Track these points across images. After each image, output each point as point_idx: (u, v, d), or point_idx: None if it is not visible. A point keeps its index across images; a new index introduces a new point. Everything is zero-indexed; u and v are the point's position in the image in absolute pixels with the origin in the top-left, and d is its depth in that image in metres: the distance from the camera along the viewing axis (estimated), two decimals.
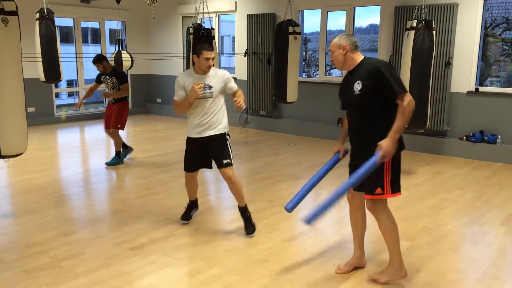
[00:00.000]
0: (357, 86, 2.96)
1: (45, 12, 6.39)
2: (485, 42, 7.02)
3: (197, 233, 3.92)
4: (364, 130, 3.01)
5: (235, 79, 9.35)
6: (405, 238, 3.82)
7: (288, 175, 5.70)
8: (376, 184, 2.95)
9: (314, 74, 10.31)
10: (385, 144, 2.82)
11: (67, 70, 8.85)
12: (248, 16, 8.75)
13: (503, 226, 4.11)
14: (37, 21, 6.43)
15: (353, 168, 3.08)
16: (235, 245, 3.70)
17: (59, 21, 8.04)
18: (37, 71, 6.65)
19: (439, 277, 3.19)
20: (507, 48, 7.73)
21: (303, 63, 9.93)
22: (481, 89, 6.65)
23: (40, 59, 6.47)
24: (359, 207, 3.25)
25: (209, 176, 6.08)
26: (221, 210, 4.69)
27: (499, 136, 6.41)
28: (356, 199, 3.22)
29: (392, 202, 4.71)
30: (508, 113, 6.39)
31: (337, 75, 9.77)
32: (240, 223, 4.18)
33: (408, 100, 2.83)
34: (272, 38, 8.22)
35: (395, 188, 3.01)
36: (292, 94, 7.22)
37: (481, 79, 7.00)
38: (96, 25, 10.55)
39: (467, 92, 6.69)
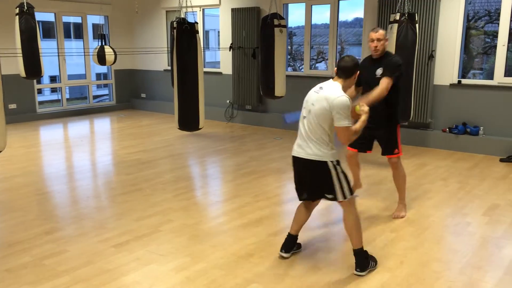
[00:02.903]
0: (379, 71, 3.90)
1: (25, 7, 6.29)
2: (467, 35, 7.09)
3: (182, 229, 3.90)
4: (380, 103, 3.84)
5: (220, 73, 9.36)
6: (389, 230, 3.86)
7: (274, 169, 5.70)
8: (394, 147, 4.13)
9: (300, 68, 10.32)
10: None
11: (49, 66, 8.72)
12: (233, 10, 8.70)
13: (485, 217, 4.17)
14: (17, 16, 6.32)
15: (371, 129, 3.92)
16: (220, 240, 3.69)
17: (40, 16, 7.91)
18: (18, 67, 6.54)
19: (422, 267, 3.22)
20: (489, 40, 7.81)
21: (288, 57, 9.92)
22: (464, 81, 6.71)
23: (21, 55, 6.36)
24: (357, 165, 4.54)
25: (195, 171, 6.06)
26: (206, 206, 4.68)
27: (481, 128, 6.49)
28: (355, 158, 4.46)
29: (377, 194, 4.76)
30: (490, 105, 6.47)
31: (322, 69, 9.78)
32: (225, 218, 4.18)
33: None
34: (257, 32, 8.20)
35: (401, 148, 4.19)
36: (280, 88, 7.20)
37: (464, 72, 7.07)
38: (78, 19, 10.40)
39: (450, 84, 6.76)
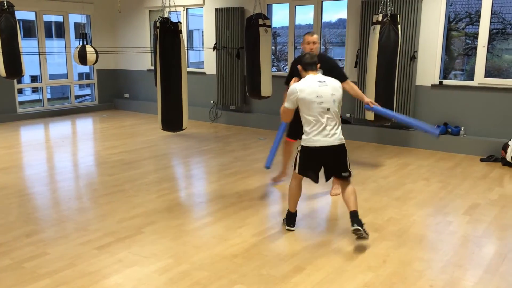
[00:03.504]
0: None
1: (5, 5, 6.19)
2: (448, 36, 7.19)
3: (165, 230, 3.88)
4: None
5: (204, 74, 9.33)
6: (372, 229, 3.88)
7: (258, 169, 5.70)
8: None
9: (284, 68, 10.34)
10: None
11: (30, 65, 8.59)
12: (217, 10, 8.68)
13: (466, 216, 4.23)
14: None
15: None
16: (204, 241, 3.67)
17: (21, 15, 7.79)
18: None
19: (404, 266, 3.25)
20: (470, 42, 7.94)
21: (273, 57, 9.94)
22: (445, 82, 6.81)
23: (1, 54, 6.25)
24: (290, 153, 4.78)
25: (179, 172, 6.03)
26: (190, 206, 4.65)
27: (462, 128, 6.59)
28: (291, 147, 4.81)
29: (361, 193, 4.79)
30: (471, 105, 6.57)
31: None
32: (209, 219, 4.17)
33: None
34: (241, 32, 8.19)
35: None
36: (266, 88, 7.20)
37: (445, 73, 7.17)
38: (59, 18, 10.26)
39: (432, 85, 6.84)
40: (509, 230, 3.96)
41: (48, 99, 10.34)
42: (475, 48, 6.68)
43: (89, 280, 3.04)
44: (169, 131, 7.15)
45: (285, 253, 3.47)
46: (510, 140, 5.98)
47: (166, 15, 6.77)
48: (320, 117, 3.56)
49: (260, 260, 3.33)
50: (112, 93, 10.93)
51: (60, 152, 6.86)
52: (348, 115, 7.63)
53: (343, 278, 3.09)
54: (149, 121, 9.12)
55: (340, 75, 4.24)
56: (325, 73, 4.01)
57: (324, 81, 3.62)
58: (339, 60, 12.27)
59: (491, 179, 5.39)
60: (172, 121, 6.66)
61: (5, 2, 6.14)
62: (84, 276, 3.09)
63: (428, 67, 6.83)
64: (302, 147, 3.68)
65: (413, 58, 6.76)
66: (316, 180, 3.75)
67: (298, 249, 3.54)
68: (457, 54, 8.09)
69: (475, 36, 7.16)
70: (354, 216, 3.55)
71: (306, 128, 3.63)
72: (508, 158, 5.86)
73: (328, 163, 3.72)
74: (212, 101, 9.01)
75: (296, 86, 3.65)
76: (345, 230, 3.90)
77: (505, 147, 5.96)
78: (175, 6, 7.05)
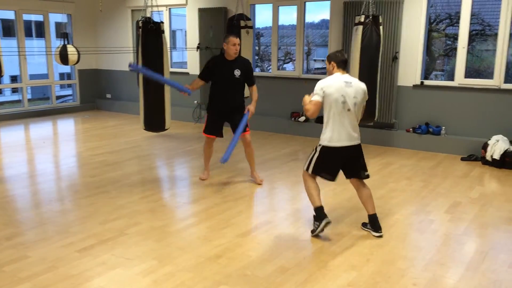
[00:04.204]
0: (237, 73, 4.78)
1: None
2: (429, 37, 7.29)
3: (149, 232, 3.84)
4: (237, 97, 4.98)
5: (187, 74, 9.28)
6: (356, 229, 3.91)
7: (242, 169, 5.69)
8: (247, 126, 5.00)
9: (267, 68, 10.35)
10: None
11: (9, 65, 8.43)
12: (200, 10, 8.65)
13: (448, 214, 4.29)
14: None
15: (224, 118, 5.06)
16: (187, 243, 3.65)
17: (0, 14, 7.65)
18: None
19: (387, 265, 3.28)
20: (450, 43, 8.06)
21: (256, 57, 9.94)
22: (426, 82, 6.90)
23: None
24: (212, 151, 5.32)
25: (163, 173, 5.98)
26: (173, 207, 4.62)
27: (443, 127, 6.68)
28: (212, 144, 5.27)
29: (343, 192, 4.83)
30: (451, 105, 6.67)
31: (290, 70, 9.85)
32: (193, 220, 4.15)
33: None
34: (224, 33, 8.17)
35: None
36: (246, 89, 7.18)
37: (426, 73, 7.28)
38: (40, 18, 10.09)
39: (413, 85, 6.92)
40: (490, 228, 4.03)
41: (29, 100, 10.17)
42: (455, 49, 6.79)
43: (71, 283, 3.00)
44: (152, 132, 7.10)
45: (269, 253, 3.47)
46: (490, 139, 6.09)
47: (148, 15, 6.72)
48: (341, 117, 3.60)
49: (244, 261, 3.33)
50: (94, 94, 10.80)
51: (41, 153, 6.74)
52: None
53: (327, 278, 3.10)
54: (132, 121, 9.04)
55: (251, 79, 4.93)
56: (242, 73, 4.75)
57: (350, 82, 3.64)
58: (322, 60, 12.33)
59: (472, 178, 5.48)
60: (154, 121, 6.61)
61: None
62: (66, 279, 3.05)
63: (409, 68, 6.91)
64: (323, 147, 3.67)
65: (395, 58, 6.83)
66: (332, 179, 3.79)
67: (282, 249, 3.55)
68: (437, 55, 8.22)
69: (455, 37, 7.28)
70: (376, 220, 3.79)
71: (326, 126, 3.66)
72: (488, 157, 5.96)
73: (346, 163, 3.75)
74: (195, 102, 8.96)
75: (325, 81, 3.65)
76: (329, 229, 3.92)
77: (485, 146, 6.07)
78: (157, 6, 7.00)
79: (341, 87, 3.58)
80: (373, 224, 3.80)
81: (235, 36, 4.77)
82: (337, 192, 4.90)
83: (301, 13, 7.85)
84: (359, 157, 3.77)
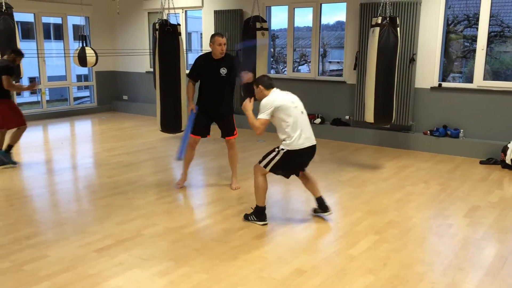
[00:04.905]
0: (223, 71, 4.75)
1: (4, 7, 6.18)
2: (447, 38, 7.20)
3: (165, 233, 3.86)
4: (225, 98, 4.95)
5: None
6: (373, 232, 3.88)
7: None
8: (234, 129, 5.12)
9: (283, 70, 10.34)
10: None
11: (28, 67, 8.56)
12: (215, 12, 8.69)
13: (466, 218, 4.23)
14: None
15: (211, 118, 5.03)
16: (203, 244, 3.66)
17: (19, 17, 7.77)
18: None
19: (405, 269, 3.25)
20: (468, 44, 7.96)
21: (271, 59, 9.94)
22: (444, 84, 6.82)
23: None
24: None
25: (179, 174, 6.01)
26: (189, 209, 4.64)
27: (462, 130, 6.60)
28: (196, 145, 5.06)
29: (360, 196, 4.79)
30: (469, 108, 6.58)
31: (305, 72, 9.83)
32: (209, 221, 4.16)
33: None
34: (240, 35, 8.19)
35: None
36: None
37: (444, 75, 7.18)
38: (58, 20, 10.24)
39: (431, 87, 6.85)
40: (509, 232, 3.96)
41: (47, 101, 10.32)
42: (474, 50, 6.70)
43: (89, 283, 3.03)
44: (168, 133, 7.14)
45: (286, 256, 3.46)
46: (510, 142, 5.99)
47: (165, 17, 6.77)
48: (300, 120, 3.87)
49: (260, 263, 3.32)
50: (111, 95, 10.92)
51: (59, 154, 6.83)
52: (347, 117, 7.64)
53: (344, 281, 3.08)
54: (148, 123, 9.11)
55: (235, 73, 4.84)
56: (228, 71, 4.75)
57: (288, 93, 4.04)
58: (337, 62, 12.27)
59: (491, 181, 5.39)
60: (171, 123, 6.64)
61: (3, 4, 6.13)
62: (84, 278, 3.08)
63: (427, 70, 6.84)
64: (288, 151, 3.86)
65: (412, 60, 6.77)
66: (287, 177, 4.11)
67: (299, 251, 3.53)
68: (455, 57, 8.11)
69: (473, 39, 7.18)
70: (323, 201, 4.14)
71: (287, 133, 3.85)
72: (508, 161, 5.87)
73: (304, 162, 4.07)
74: None
75: (269, 97, 3.91)
76: (346, 232, 3.90)
77: (505, 149, 5.97)
78: (174, 8, 7.04)
79: (285, 97, 3.94)
80: (321, 205, 4.15)
81: (221, 35, 4.74)
82: (354, 195, 4.87)
83: (317, 14, 7.83)
84: (313, 155, 4.07)
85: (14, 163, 5.95)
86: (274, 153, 3.94)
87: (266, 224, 4.02)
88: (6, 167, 5.82)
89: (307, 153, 3.96)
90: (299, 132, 3.85)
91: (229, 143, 5.05)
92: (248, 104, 3.98)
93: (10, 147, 5.92)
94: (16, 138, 5.89)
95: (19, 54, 5.83)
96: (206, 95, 4.86)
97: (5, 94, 5.70)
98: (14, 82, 5.75)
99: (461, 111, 6.65)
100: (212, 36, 4.78)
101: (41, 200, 4.82)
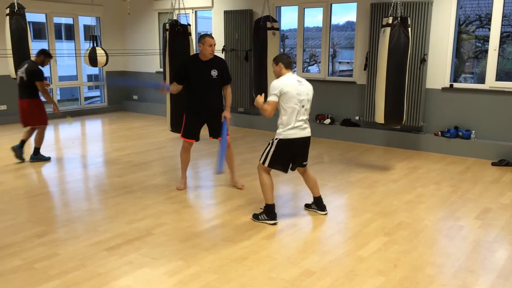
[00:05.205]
0: (214, 73, 4.66)
1: (16, 8, 6.23)
2: (459, 39, 7.14)
3: (174, 232, 3.87)
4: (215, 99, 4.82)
5: None
6: (383, 233, 3.85)
7: None
8: (227, 129, 4.84)
9: (292, 70, 10.34)
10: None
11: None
12: (225, 12, 8.69)
13: (478, 220, 4.18)
14: (8, 17, 6.26)
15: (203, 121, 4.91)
16: (213, 244, 3.66)
17: (31, 17, 7.84)
18: (8, 68, 6.47)
19: (416, 271, 3.22)
20: (480, 45, 7.88)
21: None
22: (456, 85, 6.76)
23: (11, 56, 6.29)
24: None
25: (188, 174, 6.02)
26: (198, 208, 4.65)
27: (473, 131, 6.53)
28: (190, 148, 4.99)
29: (370, 197, 4.77)
30: (481, 109, 6.51)
31: (314, 72, 9.80)
32: (218, 221, 4.16)
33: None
34: (250, 35, 8.19)
35: None
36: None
37: (455, 76, 7.12)
38: (69, 20, 10.32)
39: (442, 88, 6.80)
40: None
41: (58, 101, 10.40)
42: (485, 51, 6.63)
43: (99, 281, 3.04)
44: (177, 133, 7.16)
45: (295, 256, 3.45)
46: None
47: (175, 18, 6.80)
48: (297, 112, 3.92)
49: (269, 263, 3.32)
50: (121, 95, 10.98)
51: (70, 153, 6.89)
52: (357, 118, 7.60)
53: (354, 283, 3.06)
54: (158, 123, 9.14)
55: (228, 76, 4.83)
56: (218, 73, 4.67)
57: (301, 81, 4.02)
58: (347, 63, 12.22)
59: (503, 183, 5.33)
60: (180, 122, 6.67)
61: (16, 4, 6.19)
62: (94, 277, 3.10)
63: (438, 70, 6.79)
64: (280, 140, 3.94)
65: (423, 61, 6.72)
66: (285, 171, 4.11)
67: (308, 252, 3.52)
68: (467, 57, 8.03)
69: (485, 39, 7.11)
70: (321, 201, 4.29)
71: (282, 121, 3.93)
72: None
73: (297, 154, 4.08)
74: None
75: (280, 81, 3.92)
76: (355, 233, 3.88)
77: None
78: (184, 9, 7.07)
79: (295, 85, 3.93)
80: (319, 204, 4.30)
81: (211, 36, 4.66)
82: (364, 196, 4.85)
83: (327, 15, 7.80)
84: (308, 147, 4.12)
85: (48, 158, 6.26)
86: (269, 146, 4.03)
87: (276, 223, 4.02)
88: (42, 162, 6.17)
89: (300, 144, 4.01)
90: (294, 122, 3.91)
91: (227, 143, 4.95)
92: (260, 99, 3.97)
93: (37, 149, 6.19)
94: (40, 140, 6.16)
95: (49, 56, 6.04)
96: (197, 97, 4.73)
97: (35, 93, 5.96)
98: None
99: (473, 112, 6.58)
100: (202, 37, 4.66)
101: (52, 198, 4.86)
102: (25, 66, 5.87)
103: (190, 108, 4.81)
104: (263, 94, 4.03)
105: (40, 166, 6.04)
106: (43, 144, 6.23)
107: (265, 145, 4.14)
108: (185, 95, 4.84)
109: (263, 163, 4.01)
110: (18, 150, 6.07)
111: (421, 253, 3.51)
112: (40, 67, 5.92)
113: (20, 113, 6.02)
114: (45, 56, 5.95)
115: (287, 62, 4.03)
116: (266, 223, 4.03)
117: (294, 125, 3.92)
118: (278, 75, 4.02)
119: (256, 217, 4.12)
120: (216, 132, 4.85)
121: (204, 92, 4.71)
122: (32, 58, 6.08)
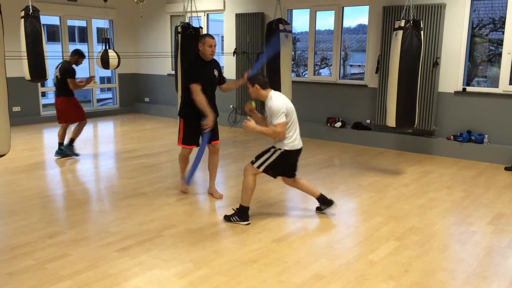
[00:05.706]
0: (216, 72, 4.66)
1: (31, 10, 6.30)
2: (472, 42, 7.08)
3: (185, 234, 3.88)
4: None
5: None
6: (394, 238, 3.82)
7: None
8: (218, 134, 4.88)
9: (303, 73, 10.31)
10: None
11: (54, 69, 8.74)
12: (237, 15, 8.72)
13: (491, 226, 4.13)
14: (22, 19, 6.33)
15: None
16: (223, 246, 3.66)
17: (45, 19, 7.93)
18: (22, 69, 6.54)
19: (427, 276, 3.19)
20: (493, 48, 7.80)
21: (292, 62, 9.93)
22: (468, 89, 6.69)
23: (26, 58, 6.37)
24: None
25: (198, 176, 6.03)
26: (209, 211, 4.66)
27: (486, 135, 6.46)
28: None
29: (381, 200, 4.73)
30: (494, 113, 6.44)
31: (326, 75, 9.78)
32: (228, 223, 4.16)
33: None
34: (261, 38, 8.21)
35: None
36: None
37: (468, 79, 7.06)
38: (83, 23, 10.43)
39: (455, 92, 6.74)
40: None
41: None
42: (499, 54, 6.56)
43: (110, 282, 3.06)
44: None
45: (305, 260, 3.44)
46: None
47: (187, 20, 6.83)
48: (296, 124, 4.08)
49: (279, 267, 3.31)
50: (133, 97, 11.06)
51: (82, 154, 6.94)
52: (368, 121, 7.57)
53: (364, 287, 3.04)
54: (169, 125, 9.19)
55: (223, 77, 4.84)
56: (218, 72, 4.67)
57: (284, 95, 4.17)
58: (358, 66, 12.18)
59: None
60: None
61: (30, 7, 6.26)
62: (105, 278, 3.11)
63: (451, 74, 6.73)
64: (285, 150, 3.99)
65: (436, 64, 6.67)
66: (275, 177, 4.22)
67: (318, 256, 3.51)
68: (480, 61, 7.95)
69: (499, 43, 7.03)
70: (325, 198, 4.31)
71: (290, 134, 3.99)
72: None
73: (296, 163, 4.23)
74: (231, 106, 9.03)
75: (278, 100, 3.96)
76: (366, 237, 3.86)
77: None
78: (196, 12, 7.10)
79: (287, 99, 4.05)
80: (325, 201, 4.30)
81: (211, 36, 4.56)
82: (375, 200, 4.82)
83: (339, 18, 7.79)
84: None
85: (77, 154, 6.55)
86: (269, 153, 4.03)
87: (249, 223, 4.07)
88: (68, 159, 6.41)
89: (298, 154, 4.14)
90: (296, 133, 4.04)
91: (215, 148, 4.83)
92: (251, 124, 3.94)
93: (72, 140, 6.53)
94: (78, 132, 6.53)
95: (82, 56, 6.47)
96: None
97: (70, 92, 6.32)
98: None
99: (486, 116, 6.51)
100: (203, 37, 4.55)
101: (64, 199, 4.90)
102: (60, 65, 6.33)
103: (191, 111, 4.59)
104: (250, 118, 3.99)
105: (52, 167, 6.10)
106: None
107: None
108: (184, 98, 4.69)
109: (258, 167, 4.04)
110: (68, 150, 6.46)
111: (433, 258, 3.48)
112: (74, 66, 6.33)
113: (57, 111, 6.50)
114: (79, 56, 6.42)
115: (263, 82, 4.03)
116: (238, 223, 4.07)
117: (297, 137, 4.06)
118: (255, 96, 4.07)
119: (228, 218, 4.15)
120: (216, 134, 4.80)
121: (210, 94, 4.61)
122: (66, 59, 6.52)
